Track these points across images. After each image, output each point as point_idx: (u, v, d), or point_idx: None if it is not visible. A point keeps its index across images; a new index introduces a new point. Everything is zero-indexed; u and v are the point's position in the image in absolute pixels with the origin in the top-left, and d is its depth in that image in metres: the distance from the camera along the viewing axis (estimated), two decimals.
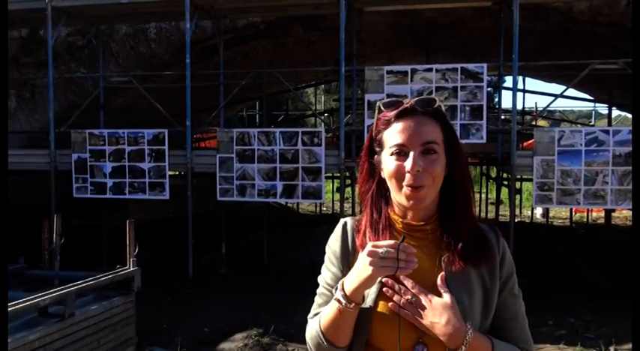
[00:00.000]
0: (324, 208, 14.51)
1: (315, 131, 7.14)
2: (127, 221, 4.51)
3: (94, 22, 8.15)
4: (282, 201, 10.25)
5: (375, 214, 1.28)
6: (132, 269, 4.45)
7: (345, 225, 1.33)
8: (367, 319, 1.21)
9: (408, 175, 1.19)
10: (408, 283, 1.19)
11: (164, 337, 5.26)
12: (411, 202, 1.20)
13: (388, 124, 1.24)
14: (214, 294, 6.83)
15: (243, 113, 15.34)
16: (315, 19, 8.53)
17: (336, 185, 12.60)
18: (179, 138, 7.83)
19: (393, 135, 1.22)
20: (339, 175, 8.15)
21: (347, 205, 8.13)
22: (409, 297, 1.18)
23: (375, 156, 1.28)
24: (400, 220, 1.26)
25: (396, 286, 1.19)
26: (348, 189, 9.48)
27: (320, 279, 1.34)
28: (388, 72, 6.77)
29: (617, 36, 7.87)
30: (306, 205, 14.94)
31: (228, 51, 8.57)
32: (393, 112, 1.24)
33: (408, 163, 1.18)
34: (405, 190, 1.20)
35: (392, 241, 1.11)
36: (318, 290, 1.34)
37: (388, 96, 6.86)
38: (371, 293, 1.21)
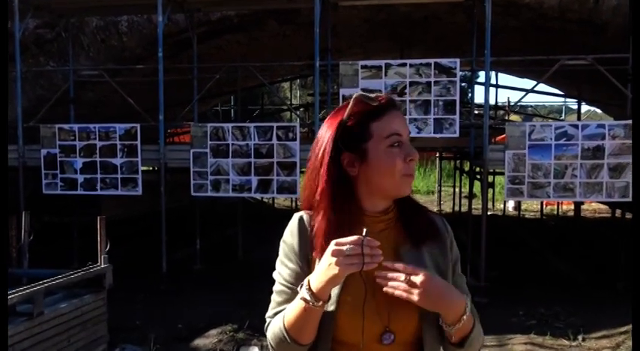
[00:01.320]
0: (300, 203, 14.51)
1: (290, 126, 7.12)
2: (98, 218, 4.44)
3: (63, 15, 7.96)
4: (258, 196, 10.23)
5: (345, 206, 1.25)
6: (103, 266, 4.38)
7: (301, 219, 1.30)
8: (334, 313, 1.21)
9: (408, 165, 1.24)
10: (399, 266, 1.17)
11: (137, 335, 5.20)
12: (407, 190, 1.26)
13: (380, 114, 1.24)
14: (189, 290, 6.78)
15: (218, 108, 15.21)
16: (290, 13, 8.49)
17: None
18: (152, 133, 7.73)
19: (389, 125, 1.24)
20: None
21: None
22: (401, 278, 1.16)
23: (348, 153, 1.25)
24: (366, 212, 1.28)
25: (383, 273, 1.18)
26: None
27: (276, 276, 1.31)
28: (363, 67, 6.79)
29: (587, 32, 8.02)
30: (282, 200, 14.91)
31: (202, 45, 8.48)
32: (384, 102, 1.25)
33: (410, 152, 1.24)
34: (404, 179, 1.24)
35: (355, 238, 1.10)
36: (276, 288, 1.31)
37: (363, 90, 6.86)
38: (335, 288, 1.21)
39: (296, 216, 1.33)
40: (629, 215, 8.73)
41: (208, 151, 7.02)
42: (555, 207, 13.78)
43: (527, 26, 8.47)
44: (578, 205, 10.53)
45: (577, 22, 7.81)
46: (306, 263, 1.27)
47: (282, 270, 1.31)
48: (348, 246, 1.09)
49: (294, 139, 6.91)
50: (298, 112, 13.92)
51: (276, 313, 1.28)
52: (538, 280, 7.31)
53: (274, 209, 14.43)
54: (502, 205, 14.76)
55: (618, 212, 8.68)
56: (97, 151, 7.26)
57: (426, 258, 1.27)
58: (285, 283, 1.29)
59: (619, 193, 6.38)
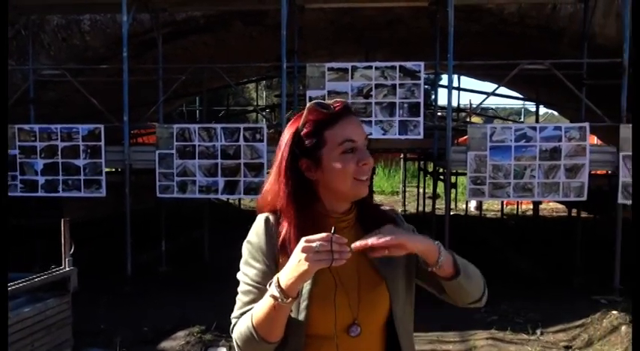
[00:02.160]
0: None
1: (257, 127, 7.14)
2: (62, 220, 4.37)
3: (23, 12, 7.76)
4: (224, 197, 10.19)
5: (306, 207, 1.30)
6: (68, 269, 4.31)
7: (267, 220, 1.34)
8: (306, 308, 1.26)
9: (362, 169, 1.29)
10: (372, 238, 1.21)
11: (102, 338, 5.13)
12: (361, 193, 1.31)
13: (332, 122, 1.29)
14: (155, 292, 6.72)
15: (183, 108, 15.06)
16: (257, 14, 8.51)
17: None
18: (116, 133, 7.62)
19: (342, 131, 1.29)
20: None
21: None
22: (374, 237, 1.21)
23: (305, 159, 1.30)
24: (330, 213, 1.34)
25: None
26: None
27: (241, 276, 1.34)
28: (329, 69, 6.87)
29: (544, 38, 8.32)
30: (248, 201, 14.87)
31: (168, 45, 8.41)
32: (338, 109, 1.30)
33: (364, 157, 1.29)
34: (357, 184, 1.29)
35: (324, 235, 1.14)
36: (241, 288, 1.33)
37: (329, 92, 6.98)
38: (306, 284, 1.25)
39: (261, 217, 1.36)
40: (584, 214, 9.09)
41: (174, 153, 6.97)
42: (515, 206, 14.19)
43: (489, 31, 8.72)
44: (536, 205, 10.88)
45: (536, 27, 8.09)
46: (273, 263, 1.30)
47: (248, 270, 1.33)
48: (317, 243, 1.12)
49: (262, 141, 6.94)
50: (264, 113, 13.91)
51: (242, 313, 1.30)
52: (499, 278, 7.50)
53: (240, 210, 14.38)
54: (464, 205, 15.10)
55: (574, 211, 9.02)
56: (59, 152, 7.11)
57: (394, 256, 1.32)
58: (252, 283, 1.31)
59: (575, 193, 6.64)
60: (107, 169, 7.47)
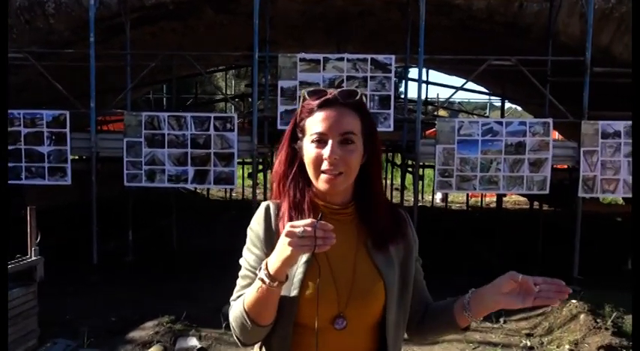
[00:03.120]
0: (235, 194, 14.42)
1: (228, 116, 7.10)
2: (28, 208, 4.27)
3: None
4: (193, 187, 10.09)
5: (299, 196, 1.34)
6: (34, 258, 4.22)
7: (267, 208, 1.37)
8: (296, 297, 1.28)
9: (325, 162, 1.27)
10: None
11: (69, 329, 5.04)
12: (327, 187, 1.29)
13: (311, 112, 1.32)
14: (122, 282, 6.63)
15: (150, 96, 14.78)
16: (228, 2, 8.40)
17: (247, 171, 12.58)
18: (81, 120, 7.44)
19: (315, 123, 1.30)
20: (250, 160, 8.17)
21: (258, 191, 8.17)
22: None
23: (298, 142, 1.35)
24: (322, 203, 1.35)
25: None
26: (260, 175, 9.52)
27: (242, 261, 1.38)
28: (301, 59, 6.87)
29: (512, 34, 8.50)
30: (216, 191, 14.76)
31: (136, 31, 8.22)
32: (316, 102, 1.31)
33: (326, 151, 1.27)
34: (323, 176, 1.28)
35: (309, 220, 1.15)
36: (241, 273, 1.37)
37: (301, 83, 6.98)
38: (298, 273, 1.28)
39: (263, 204, 1.40)
40: (545, 207, 9.39)
41: (143, 141, 6.87)
42: (479, 199, 14.51)
43: (458, 26, 8.85)
44: (500, 197, 11.17)
45: (503, 24, 8.26)
46: (270, 250, 1.30)
47: (248, 256, 1.37)
48: (301, 228, 1.13)
49: (232, 130, 6.90)
50: (235, 102, 13.79)
51: (239, 297, 1.33)
52: (464, 268, 7.72)
53: (209, 200, 14.26)
54: (430, 197, 15.36)
55: (536, 204, 9.31)
56: (22, 139, 6.91)
57: (393, 253, 1.36)
58: (250, 268, 1.34)
59: (537, 186, 6.86)
60: (72, 157, 7.29)
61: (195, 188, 13.23)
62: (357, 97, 1.33)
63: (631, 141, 6.74)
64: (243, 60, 11.34)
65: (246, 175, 12.72)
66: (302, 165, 1.35)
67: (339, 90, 1.33)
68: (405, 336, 1.44)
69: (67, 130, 6.89)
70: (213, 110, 16.35)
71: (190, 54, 7.73)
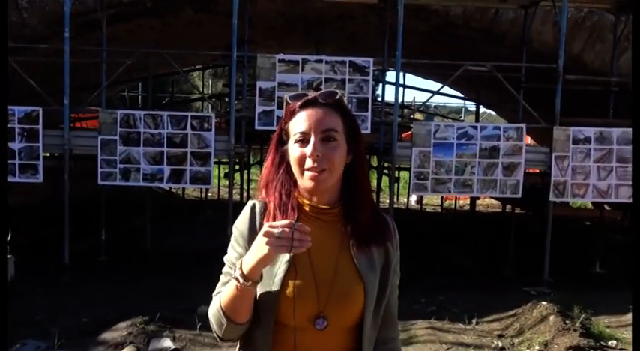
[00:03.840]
0: (210, 194, 14.32)
1: (205, 116, 7.06)
2: None
3: None
4: (168, 186, 9.99)
5: (284, 197, 1.36)
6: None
7: (253, 207, 1.39)
8: (276, 296, 1.30)
9: (308, 160, 1.29)
10: None
11: (39, 329, 4.94)
12: (312, 184, 1.31)
13: (293, 114, 1.35)
14: (94, 282, 6.52)
15: (125, 93, 14.58)
16: (207, 1, 8.36)
17: (223, 171, 12.51)
18: (54, 117, 7.30)
19: (297, 124, 1.33)
20: (226, 160, 8.13)
21: (235, 191, 8.13)
22: None
23: (284, 146, 1.38)
24: (307, 202, 1.37)
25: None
26: (237, 175, 9.48)
27: (225, 258, 1.40)
28: (280, 60, 6.87)
29: (487, 41, 8.66)
30: (191, 191, 14.64)
31: (112, 27, 8.12)
32: (297, 103, 1.34)
33: (309, 149, 1.29)
34: (307, 174, 1.30)
35: (286, 222, 1.19)
36: (224, 269, 1.39)
37: (279, 84, 6.98)
38: (279, 272, 1.30)
39: (249, 203, 1.41)
40: (518, 210, 9.58)
41: (118, 139, 6.78)
42: (453, 201, 14.71)
43: (435, 31, 8.98)
44: (473, 200, 11.35)
45: (479, 30, 8.41)
46: None
47: (231, 253, 1.39)
48: (279, 229, 1.17)
49: (209, 130, 6.86)
50: (212, 101, 13.71)
51: (218, 293, 1.35)
52: (438, 270, 7.83)
53: (184, 200, 14.13)
54: (406, 199, 15.50)
55: (509, 207, 9.49)
56: None
57: (375, 257, 1.38)
58: (232, 266, 1.36)
59: (510, 190, 7.00)
60: (44, 154, 7.16)
61: (170, 188, 13.11)
62: (337, 97, 1.35)
63: (601, 147, 6.93)
64: (221, 59, 11.29)
65: (222, 175, 12.65)
66: (289, 168, 1.37)
67: (320, 91, 1.35)
68: None
69: (40, 126, 6.76)
70: (189, 109, 16.22)
71: (167, 52, 7.66)
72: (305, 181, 1.32)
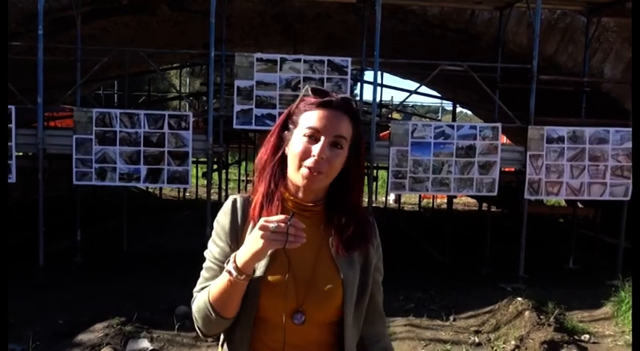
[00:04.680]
0: (188, 194, 14.20)
1: (183, 115, 7.01)
2: None
3: None
4: (145, 186, 9.89)
5: (273, 186, 1.37)
6: None
7: (234, 202, 1.40)
8: (257, 291, 1.31)
9: (312, 159, 1.29)
10: None
11: (13, 332, 4.83)
12: (306, 182, 1.32)
13: (310, 107, 1.34)
14: (70, 284, 6.42)
15: (100, 92, 14.37)
16: None
17: (201, 170, 12.42)
18: (23, 116, 7.16)
19: (312, 119, 1.33)
20: (204, 160, 8.08)
21: (213, 191, 8.08)
22: None
23: (286, 132, 1.38)
24: (292, 198, 1.38)
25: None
26: (215, 174, 9.42)
27: (207, 253, 1.40)
28: (258, 59, 6.85)
29: (464, 41, 8.77)
30: (169, 191, 14.50)
31: (86, 25, 8.00)
32: (319, 99, 1.34)
33: (316, 148, 1.30)
34: (304, 170, 1.31)
35: (282, 217, 1.21)
36: (205, 265, 1.40)
37: (258, 83, 6.96)
38: (260, 266, 1.31)
39: (231, 198, 1.42)
40: (494, 208, 9.72)
41: (93, 138, 6.68)
42: (431, 200, 14.85)
43: (413, 31, 9.05)
44: (450, 199, 11.47)
45: (456, 31, 8.51)
46: (235, 243, 1.35)
47: (213, 248, 1.39)
48: (275, 223, 1.19)
49: (187, 129, 6.81)
50: (190, 100, 13.59)
51: (202, 288, 1.35)
52: (416, 267, 7.90)
53: (161, 200, 13.99)
54: (384, 198, 15.60)
55: (485, 205, 9.62)
56: None
57: (355, 255, 1.40)
58: (214, 260, 1.37)
59: (486, 189, 7.10)
60: (17, 153, 7.02)
61: (148, 188, 12.97)
62: (355, 107, 1.39)
63: (574, 146, 7.08)
64: (198, 58, 11.20)
65: (200, 174, 12.56)
66: (284, 157, 1.37)
67: (341, 96, 1.37)
68: None
69: (13, 125, 6.62)
70: (166, 108, 16.06)
71: (144, 50, 7.58)
72: (299, 176, 1.32)
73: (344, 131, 1.33)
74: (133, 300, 5.77)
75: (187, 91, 18.45)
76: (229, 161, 13.08)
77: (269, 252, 1.28)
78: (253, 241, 1.21)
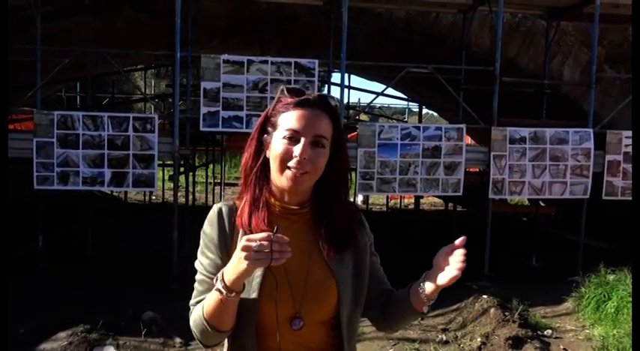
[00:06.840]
0: (154, 197, 13.97)
1: (148, 117, 6.91)
2: None
3: None
4: (109, 190, 9.69)
5: (257, 192, 1.35)
6: None
7: (220, 211, 1.37)
8: (255, 303, 1.30)
9: (294, 160, 1.28)
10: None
11: None
12: (291, 184, 1.30)
13: (287, 108, 1.32)
14: (32, 291, 6.23)
15: (62, 94, 14.02)
16: None
17: (167, 173, 12.25)
18: None
19: (290, 120, 1.31)
20: (171, 162, 7.98)
21: (180, 194, 7.98)
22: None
23: (266, 135, 1.36)
24: (277, 203, 1.36)
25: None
26: (182, 177, 9.31)
27: (197, 265, 1.38)
28: (225, 61, 6.82)
29: (429, 43, 8.91)
30: (134, 194, 14.24)
31: (47, 25, 7.79)
32: (295, 99, 1.32)
33: (297, 149, 1.28)
34: (288, 172, 1.29)
35: (265, 234, 1.16)
36: (197, 277, 1.37)
37: (224, 85, 6.92)
38: (256, 277, 1.30)
39: (215, 207, 1.39)
40: (459, 208, 9.89)
41: (55, 141, 6.53)
42: (398, 200, 15.00)
43: (379, 33, 9.14)
44: (417, 199, 11.62)
45: (420, 33, 8.64)
46: (225, 254, 1.33)
47: (203, 260, 1.37)
48: (257, 242, 1.15)
49: (153, 131, 6.72)
50: (156, 102, 13.39)
51: (198, 302, 1.34)
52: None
53: (126, 203, 13.72)
54: (352, 199, 15.69)
55: (451, 205, 9.78)
56: None
57: (346, 252, 1.41)
58: (206, 273, 1.35)
59: (452, 189, 7.23)
60: None
61: (112, 191, 12.72)
62: (333, 105, 1.37)
63: (535, 146, 7.27)
64: (163, 59, 11.04)
65: (167, 177, 12.38)
66: (266, 161, 1.36)
67: (318, 94, 1.36)
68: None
69: None
70: (131, 110, 15.78)
71: (107, 51, 7.44)
72: (283, 179, 1.31)
73: (323, 130, 1.32)
74: (98, 306, 5.64)
75: (153, 92, 18.17)
76: (196, 164, 12.94)
77: None
78: (237, 261, 1.18)
